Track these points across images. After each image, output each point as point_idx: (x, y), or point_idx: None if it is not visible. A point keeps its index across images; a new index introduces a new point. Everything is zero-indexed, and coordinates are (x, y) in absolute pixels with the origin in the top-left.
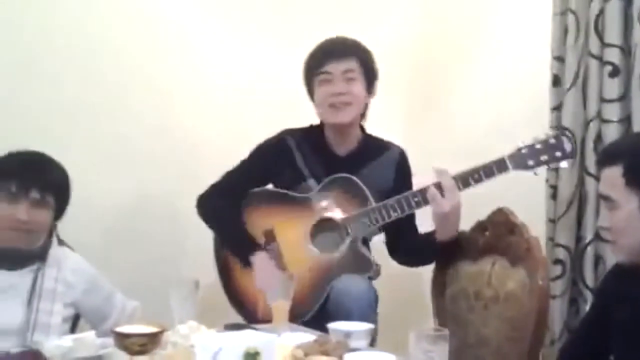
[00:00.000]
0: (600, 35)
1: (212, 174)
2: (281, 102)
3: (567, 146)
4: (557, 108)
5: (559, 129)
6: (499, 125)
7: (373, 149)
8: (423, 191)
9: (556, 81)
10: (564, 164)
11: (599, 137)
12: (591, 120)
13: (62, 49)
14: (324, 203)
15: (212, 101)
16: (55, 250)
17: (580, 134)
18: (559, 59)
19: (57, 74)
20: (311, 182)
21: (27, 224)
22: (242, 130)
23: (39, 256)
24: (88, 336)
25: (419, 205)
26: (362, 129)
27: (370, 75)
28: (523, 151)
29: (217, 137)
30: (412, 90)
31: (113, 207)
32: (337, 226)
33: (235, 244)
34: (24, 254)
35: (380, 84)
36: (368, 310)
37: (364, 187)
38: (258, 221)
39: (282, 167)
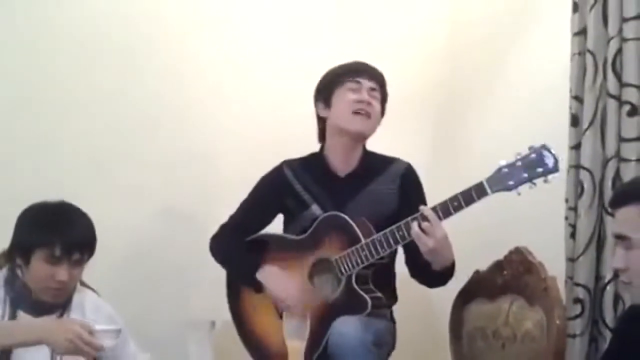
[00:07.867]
0: (618, 75)
1: (228, 209)
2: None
3: (549, 160)
4: (576, 147)
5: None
6: None
7: (375, 166)
8: (407, 225)
9: (575, 121)
10: (548, 179)
11: (617, 176)
12: (610, 160)
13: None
14: (318, 243)
15: (244, 143)
16: (77, 294)
17: (599, 173)
18: (578, 98)
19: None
20: (314, 207)
21: (66, 284)
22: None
23: (62, 303)
24: None
25: (404, 239)
26: (364, 148)
27: (384, 101)
28: (503, 170)
29: (232, 178)
30: (434, 124)
31: (126, 245)
32: (332, 266)
33: (241, 271)
34: (48, 303)
35: (404, 116)
36: (363, 353)
37: (353, 224)
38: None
39: (283, 198)
